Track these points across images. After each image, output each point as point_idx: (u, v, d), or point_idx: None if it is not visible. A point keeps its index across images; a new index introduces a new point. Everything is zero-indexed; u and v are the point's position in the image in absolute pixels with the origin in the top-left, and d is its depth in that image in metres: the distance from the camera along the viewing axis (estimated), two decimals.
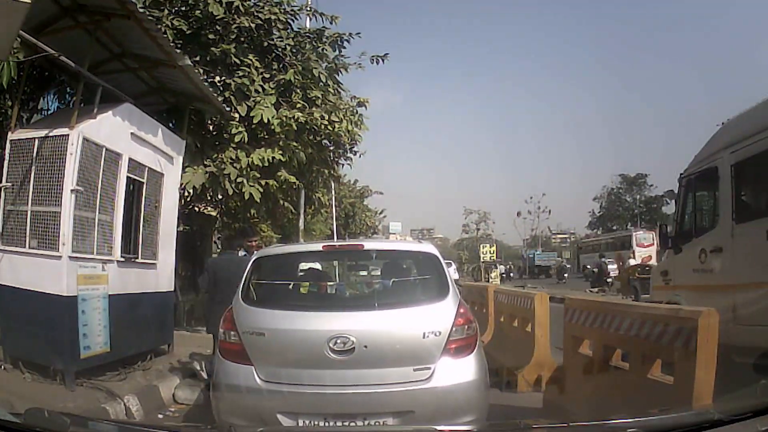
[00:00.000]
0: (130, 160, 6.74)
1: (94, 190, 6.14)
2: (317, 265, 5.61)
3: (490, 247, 40.53)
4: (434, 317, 3.79)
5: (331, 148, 11.47)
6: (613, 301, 6.81)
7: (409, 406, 3.54)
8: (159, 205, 7.46)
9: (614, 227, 66.62)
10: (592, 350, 4.68)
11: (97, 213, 6.18)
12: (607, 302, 5.45)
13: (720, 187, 6.18)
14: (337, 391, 3.56)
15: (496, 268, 38.80)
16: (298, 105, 9.09)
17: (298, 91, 9.32)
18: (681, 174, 7.31)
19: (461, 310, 3.88)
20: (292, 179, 9.04)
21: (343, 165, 11.87)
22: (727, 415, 1.95)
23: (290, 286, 4.43)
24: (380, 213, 40.67)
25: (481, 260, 39.52)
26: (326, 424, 3.51)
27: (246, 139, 8.58)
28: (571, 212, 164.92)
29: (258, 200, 8.40)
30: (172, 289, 7.90)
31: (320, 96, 9.47)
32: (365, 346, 3.58)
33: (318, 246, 4.85)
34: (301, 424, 3.58)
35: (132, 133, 6.81)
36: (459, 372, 3.67)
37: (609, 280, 23.35)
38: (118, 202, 6.52)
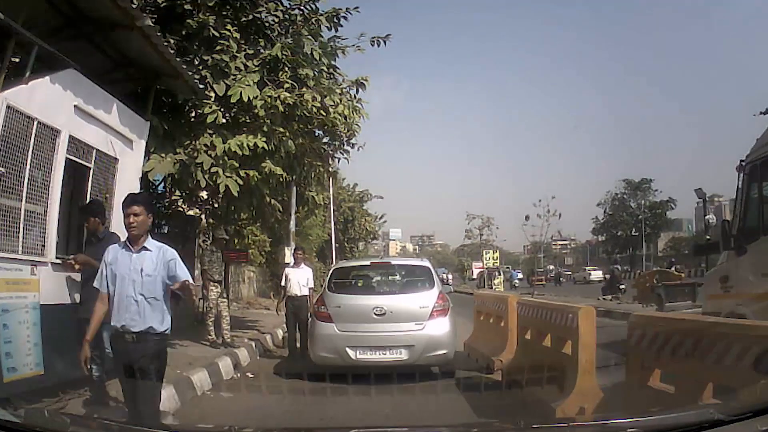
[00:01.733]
0: (72, 138, 5.47)
1: (20, 172, 4.87)
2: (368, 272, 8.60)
3: (494, 253, 39.22)
4: (425, 299, 7.04)
5: (325, 139, 10.22)
6: (709, 320, 4.68)
7: (412, 342, 6.70)
8: (111, 196, 6.17)
9: (619, 233, 65.41)
10: (674, 385, 3.39)
11: (23, 202, 4.91)
12: (702, 320, 4.13)
13: None
14: (376, 334, 6.74)
15: (500, 274, 37.44)
16: (286, 85, 7.82)
17: (287, 69, 8.05)
18: (742, 160, 6.27)
19: (440, 296, 7.14)
20: (279, 171, 7.76)
21: (339, 159, 10.59)
22: (727, 415, 1.92)
23: (352, 282, 8.01)
24: (380, 218, 39.36)
25: (484, 266, 38.23)
26: (371, 352, 6.67)
27: (221, 118, 7.31)
28: (574, 219, 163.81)
29: (236, 193, 7.11)
30: None
31: (312, 76, 8.20)
32: (391, 312, 6.86)
33: (368, 262, 9.32)
34: (358, 353, 6.67)
35: (76, 106, 5.55)
36: (438, 326, 6.88)
37: (622, 287, 22.01)
38: (54, 189, 5.23)
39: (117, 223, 6.30)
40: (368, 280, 8.22)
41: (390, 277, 8.35)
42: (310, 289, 9.03)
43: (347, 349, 6.76)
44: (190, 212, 12.11)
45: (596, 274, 41.24)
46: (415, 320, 6.86)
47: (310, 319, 7.75)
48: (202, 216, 11.91)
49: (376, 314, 6.86)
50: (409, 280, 7.94)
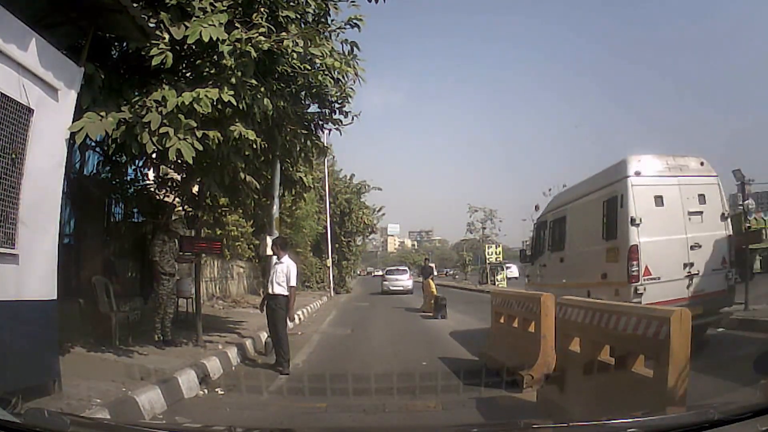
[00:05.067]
0: None
1: None
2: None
3: (496, 248, 37.62)
4: (406, 275, 32.99)
5: (313, 107, 8.63)
6: (607, 302, 5.89)
7: (403, 285, 31.31)
8: (20, 158, 4.58)
9: None
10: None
11: None
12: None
13: (546, 231, 10.91)
14: (395, 283, 31.79)
15: (503, 270, 35.85)
16: (261, 29, 6.23)
17: (263, 11, 6.45)
18: (534, 220, 12.96)
19: (410, 274, 34.14)
20: (251, 135, 6.15)
21: (329, 131, 9.00)
22: (727, 415, 1.93)
23: (389, 271, 36.32)
24: (378, 210, 37.70)
25: (487, 261, 36.68)
26: (393, 287, 31.27)
27: (170, 61, 5.70)
28: None
29: (190, 160, 5.49)
30: (54, 296, 5.04)
31: (295, 18, 6.61)
32: (398, 278, 32.54)
33: (394, 267, 42.29)
34: (390, 288, 31.30)
35: None
36: (408, 281, 31.88)
37: None
38: None
39: (32, 196, 4.80)
40: (392, 271, 34.55)
41: (397, 269, 35.51)
42: (290, 287, 7.73)
43: (390, 287, 30.98)
44: (166, 198, 10.54)
45: (513, 272, 38.27)
46: (403, 280, 31.55)
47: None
48: (176, 201, 10.35)
49: (394, 278, 31.91)
50: (401, 270, 34.56)
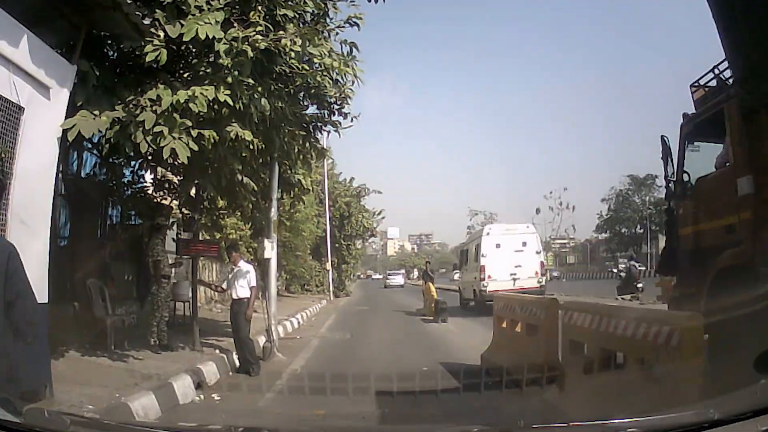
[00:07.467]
0: None
1: None
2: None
3: None
4: (401, 276, 58.12)
5: (312, 108, 8.53)
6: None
7: (399, 283, 53.00)
8: (12, 157, 4.48)
9: (623, 230, 63.88)
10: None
11: None
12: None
13: (463, 254, 21.73)
14: (393, 281, 54.28)
15: None
16: (259, 27, 6.13)
17: (260, 9, 6.35)
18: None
19: (404, 274, 63.47)
20: (248, 136, 6.04)
21: (328, 133, 8.89)
22: (727, 415, 1.93)
23: (390, 273, 63.65)
24: (378, 214, 37.61)
25: None
26: (392, 284, 52.39)
27: (164, 58, 5.59)
28: (574, 217, 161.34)
29: (185, 160, 5.38)
30: (45, 299, 4.91)
31: (293, 17, 6.51)
32: (395, 277, 57.03)
33: (393, 271, 67.92)
34: (391, 284, 52.36)
35: None
36: (402, 279, 55.90)
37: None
38: None
39: (23, 195, 4.68)
40: (392, 273, 60.74)
41: (395, 272, 62.22)
42: (251, 288, 7.89)
43: (390, 283, 52.38)
44: (163, 200, 10.43)
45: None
46: (398, 279, 54.43)
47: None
48: (174, 203, 10.24)
49: (392, 277, 55.40)
50: (397, 272, 60.94)
